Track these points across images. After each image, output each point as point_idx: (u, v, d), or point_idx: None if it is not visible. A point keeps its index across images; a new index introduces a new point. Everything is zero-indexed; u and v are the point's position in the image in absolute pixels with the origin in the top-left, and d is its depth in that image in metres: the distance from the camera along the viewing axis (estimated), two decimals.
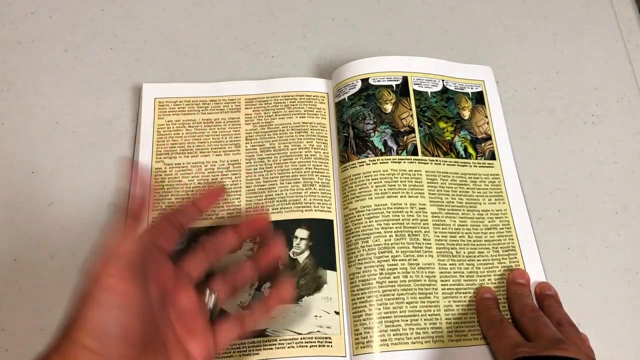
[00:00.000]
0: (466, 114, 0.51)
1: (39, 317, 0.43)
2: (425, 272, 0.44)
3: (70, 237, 0.46)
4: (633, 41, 0.58)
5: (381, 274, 0.44)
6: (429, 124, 0.50)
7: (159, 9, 0.57)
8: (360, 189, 0.46)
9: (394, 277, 0.44)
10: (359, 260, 0.44)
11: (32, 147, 0.49)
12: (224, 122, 0.50)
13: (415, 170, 0.47)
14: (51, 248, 0.46)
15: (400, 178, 0.47)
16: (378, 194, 0.46)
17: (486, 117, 0.52)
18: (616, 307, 0.46)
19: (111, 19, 0.56)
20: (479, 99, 0.52)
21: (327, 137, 0.50)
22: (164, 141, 0.49)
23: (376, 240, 0.45)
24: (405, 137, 0.49)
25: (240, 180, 0.48)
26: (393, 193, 0.46)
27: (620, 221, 0.49)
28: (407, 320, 0.42)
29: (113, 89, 0.52)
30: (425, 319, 0.43)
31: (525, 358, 0.37)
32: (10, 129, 0.50)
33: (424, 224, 0.46)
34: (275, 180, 0.48)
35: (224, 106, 0.51)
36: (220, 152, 0.49)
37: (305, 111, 0.51)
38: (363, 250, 0.44)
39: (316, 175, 0.48)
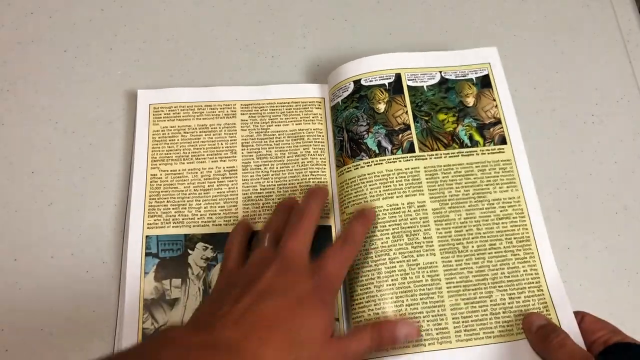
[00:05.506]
0: (470, 100, 0.50)
1: (39, 317, 0.43)
2: (427, 272, 0.43)
3: (70, 237, 0.46)
4: (633, 41, 0.58)
5: (379, 277, 0.43)
6: (426, 118, 0.48)
7: (159, 9, 0.57)
8: (356, 192, 0.46)
9: (392, 280, 0.43)
10: (356, 265, 0.44)
11: (32, 147, 0.49)
12: (219, 127, 0.50)
13: (412, 168, 0.46)
14: (51, 248, 0.46)
15: (396, 178, 0.46)
16: (373, 196, 0.45)
17: (494, 100, 0.50)
18: (616, 307, 0.46)
19: (111, 19, 0.56)
20: (484, 83, 0.51)
21: (324, 142, 0.50)
22: (159, 147, 0.49)
23: (373, 244, 0.44)
24: (400, 135, 0.48)
25: (236, 188, 0.48)
26: (389, 194, 0.45)
27: (620, 221, 0.49)
28: None
29: (113, 89, 0.52)
30: (428, 320, 0.42)
31: (620, 344, 0.36)
32: (10, 129, 0.50)
33: (424, 222, 0.45)
34: (273, 189, 0.48)
35: (219, 111, 0.50)
36: (216, 158, 0.49)
37: (301, 118, 0.51)
38: (360, 254, 0.44)
39: (313, 182, 0.48)
